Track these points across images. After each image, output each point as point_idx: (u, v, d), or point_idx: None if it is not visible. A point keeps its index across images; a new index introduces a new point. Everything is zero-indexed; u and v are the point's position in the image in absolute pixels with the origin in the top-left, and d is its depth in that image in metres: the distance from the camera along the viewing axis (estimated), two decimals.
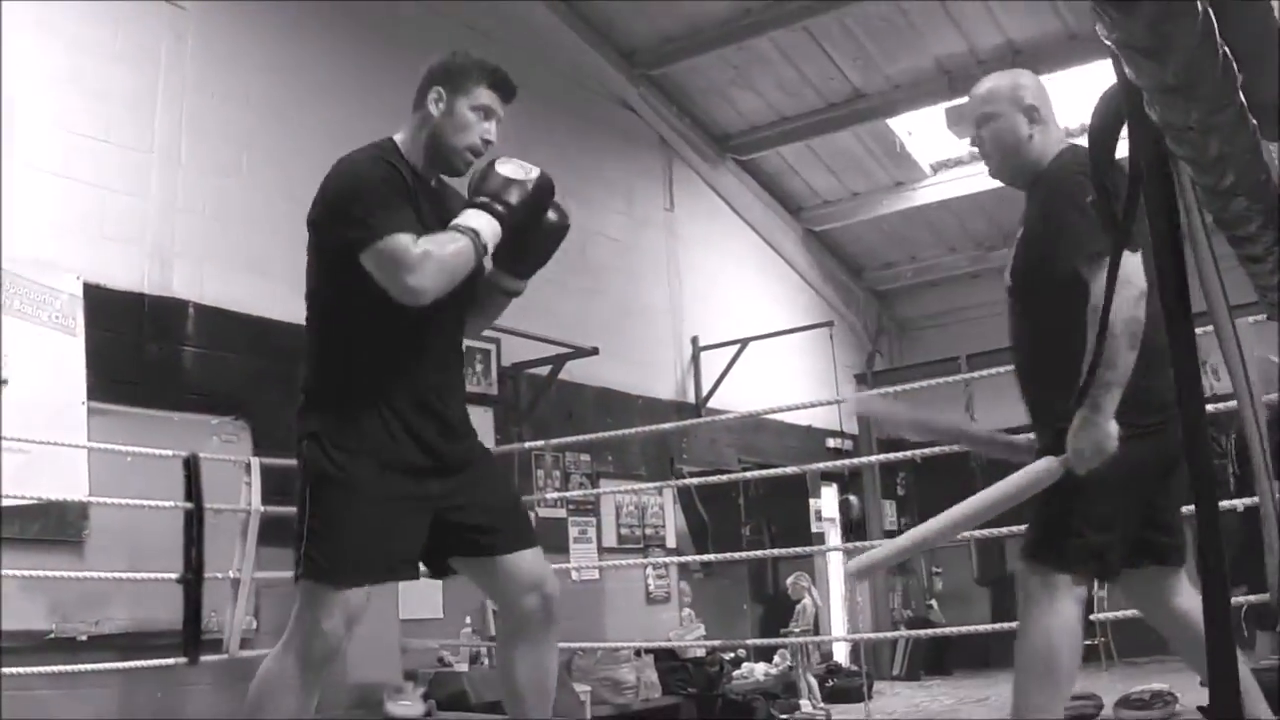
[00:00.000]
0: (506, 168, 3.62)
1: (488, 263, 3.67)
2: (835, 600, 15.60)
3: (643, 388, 12.58)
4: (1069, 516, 3.49)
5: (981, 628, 11.03)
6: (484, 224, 3.50)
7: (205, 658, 7.10)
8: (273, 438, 8.34)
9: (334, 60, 9.84)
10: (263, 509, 7.52)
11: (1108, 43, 1.08)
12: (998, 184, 13.17)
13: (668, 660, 10.79)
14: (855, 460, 14.10)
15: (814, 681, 12.28)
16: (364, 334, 3.54)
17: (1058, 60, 12.25)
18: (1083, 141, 3.37)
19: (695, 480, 10.37)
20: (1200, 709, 6.15)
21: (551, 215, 3.79)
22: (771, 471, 9.62)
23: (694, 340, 13.74)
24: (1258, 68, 1.14)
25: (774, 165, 15.15)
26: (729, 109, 14.05)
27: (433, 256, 3.37)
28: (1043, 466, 3.42)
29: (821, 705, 11.95)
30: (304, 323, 3.74)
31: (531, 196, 3.62)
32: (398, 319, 3.48)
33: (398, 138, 3.75)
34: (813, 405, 9.55)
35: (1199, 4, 1.01)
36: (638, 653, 10.54)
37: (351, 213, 3.47)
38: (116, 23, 8.27)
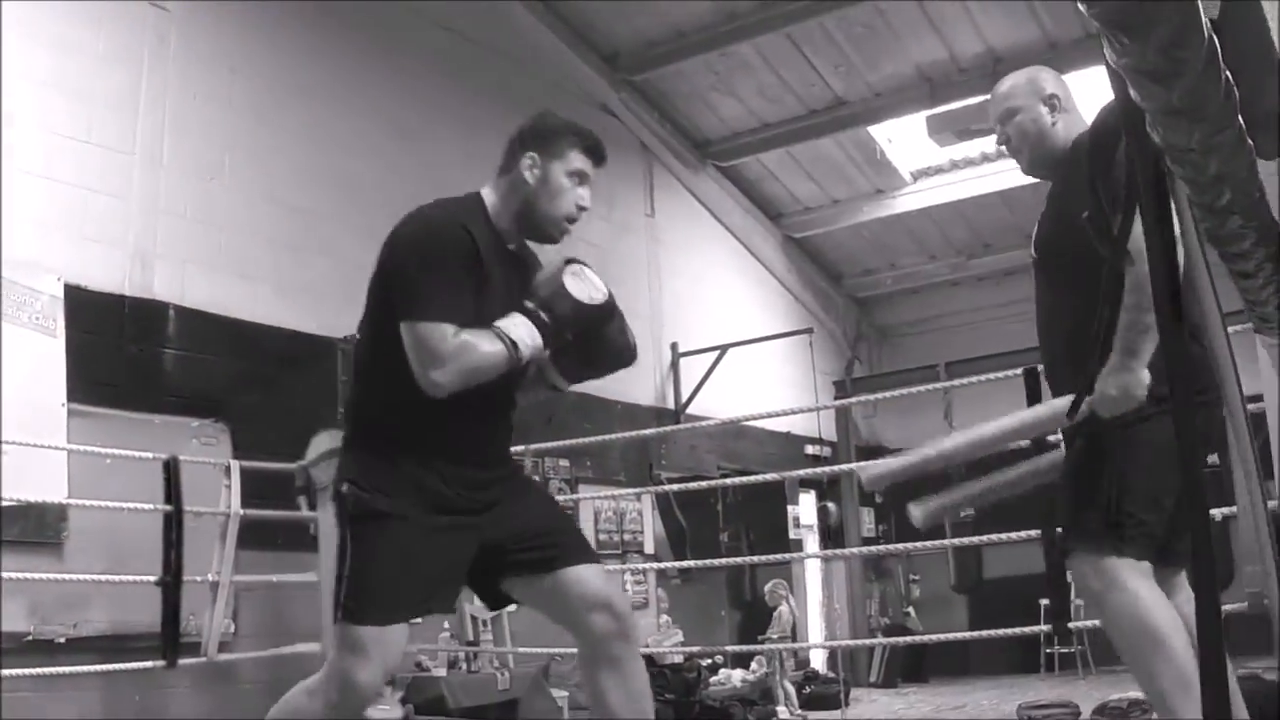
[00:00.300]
0: (572, 283, 3.51)
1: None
2: (813, 607, 15.63)
3: (622, 393, 12.57)
4: (1118, 498, 3.39)
5: (959, 635, 11.10)
6: (525, 335, 3.41)
7: (183, 660, 7.06)
8: (252, 441, 8.35)
9: (316, 62, 9.83)
10: (242, 512, 7.52)
11: (1115, 67, 1.09)
12: (978, 192, 13.22)
13: (645, 666, 10.78)
14: (834, 468, 14.11)
15: (791, 688, 12.28)
16: (409, 382, 3.42)
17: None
18: None
19: (674, 486, 10.40)
20: None
21: (618, 339, 3.70)
22: (750, 478, 9.62)
23: (674, 346, 13.76)
24: (1255, 87, 1.15)
25: (755, 171, 15.16)
26: (710, 115, 14.06)
27: (464, 356, 3.33)
28: (1064, 403, 3.32)
29: (799, 712, 11.96)
30: (345, 345, 3.70)
31: (585, 318, 3.53)
32: None
33: (487, 198, 3.63)
34: (795, 412, 9.59)
35: (1205, 29, 1.02)
36: None
37: (406, 276, 3.41)
38: (99, 24, 8.25)
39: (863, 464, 3.43)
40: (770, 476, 9.41)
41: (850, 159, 14.85)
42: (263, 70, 9.39)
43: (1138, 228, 3.23)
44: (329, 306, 9.40)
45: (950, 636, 9.48)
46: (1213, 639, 1.48)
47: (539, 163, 3.55)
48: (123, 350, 8.07)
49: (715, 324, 14.00)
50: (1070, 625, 6.61)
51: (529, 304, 3.46)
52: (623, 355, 3.74)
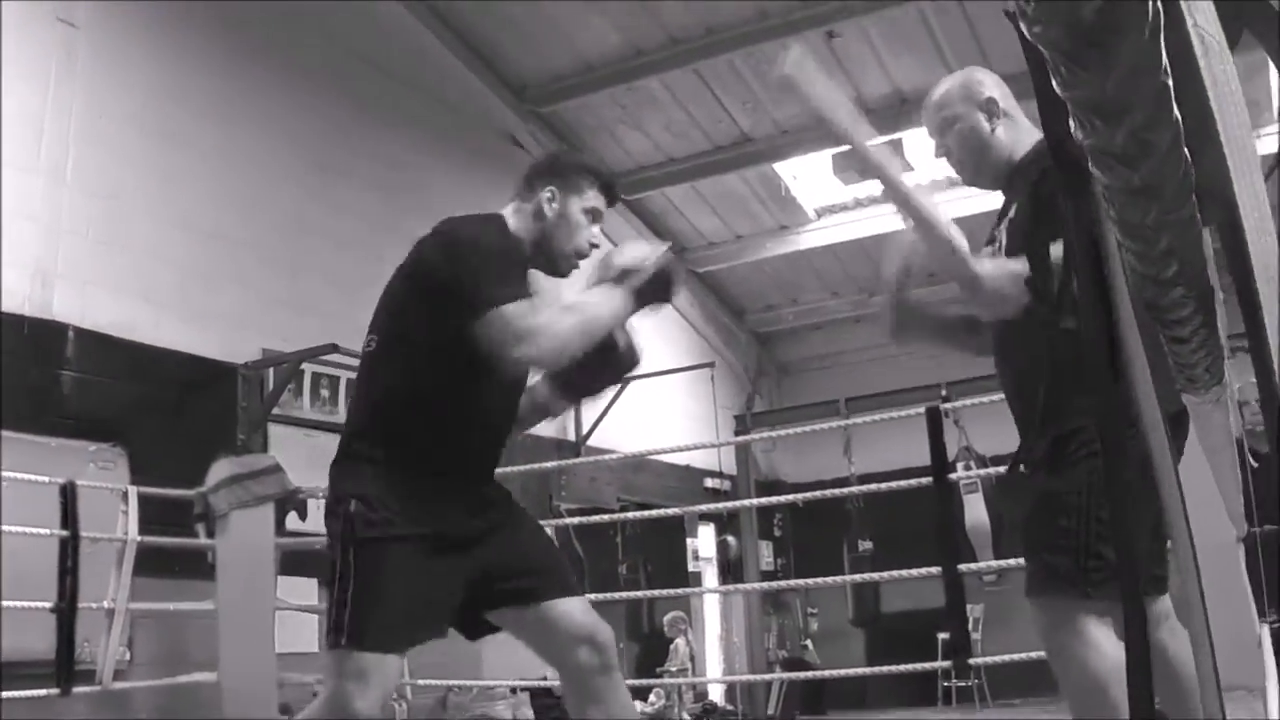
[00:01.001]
0: (623, 257, 3.54)
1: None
2: (711, 639, 15.66)
3: None
4: (1086, 536, 3.21)
5: (856, 670, 11.20)
6: (609, 304, 3.45)
7: (78, 689, 6.97)
8: (150, 466, 8.23)
9: (229, 85, 9.75)
10: (139, 538, 7.42)
11: (1081, 144, 1.11)
12: (882, 229, 13.31)
13: (543, 698, 10.76)
14: (734, 503, 14.17)
15: None
16: (438, 392, 3.43)
17: None
18: None
19: (574, 519, 10.37)
20: None
21: (621, 346, 3.66)
22: (650, 512, 9.64)
23: None
24: (1202, 155, 1.17)
25: (659, 205, 15.22)
26: (616, 148, 14.09)
27: (555, 326, 3.31)
28: (946, 231, 3.21)
29: None
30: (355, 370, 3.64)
31: (652, 280, 3.51)
32: (467, 390, 3.44)
33: (509, 219, 3.66)
34: (695, 447, 9.62)
35: (1175, 113, 1.04)
36: (514, 690, 10.51)
37: (470, 269, 3.39)
38: (5, 37, 8.12)
39: (794, 49, 2.94)
40: (670, 511, 9.41)
41: (755, 195, 14.96)
42: (173, 91, 9.29)
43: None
44: (231, 332, 9.33)
45: (850, 672, 9.56)
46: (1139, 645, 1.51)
47: (558, 197, 3.60)
48: (21, 372, 7.92)
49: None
50: (970, 661, 6.70)
51: (609, 278, 3.49)
52: (627, 363, 3.70)
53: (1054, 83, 1.04)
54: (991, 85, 3.56)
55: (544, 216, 3.60)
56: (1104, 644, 3.16)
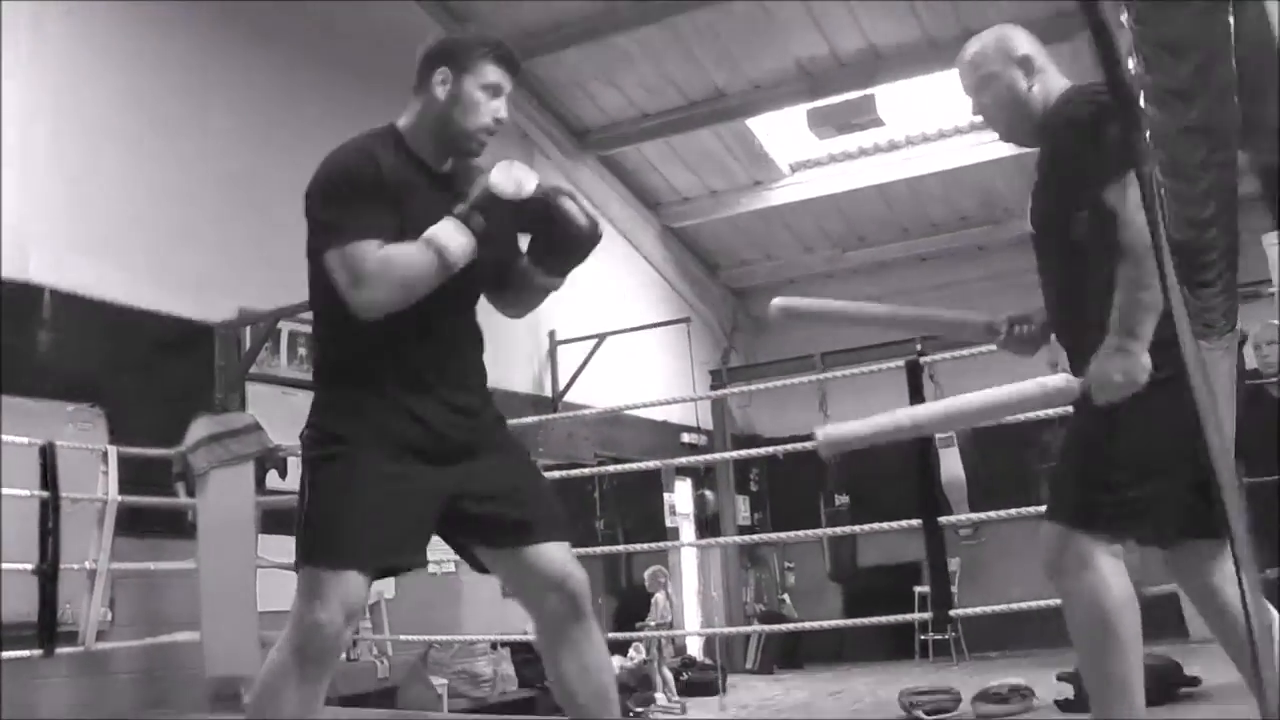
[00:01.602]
0: (496, 177, 3.39)
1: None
2: (689, 595, 15.73)
3: (499, 380, 12.42)
4: (1103, 470, 3.24)
5: (834, 622, 11.25)
6: (454, 238, 3.32)
7: (60, 650, 6.97)
8: (129, 426, 8.22)
9: (201, 51, 9.67)
10: (119, 499, 7.42)
11: (1142, 86, 1.11)
12: (854, 186, 13.32)
13: (524, 653, 10.78)
14: (711, 456, 14.21)
15: (669, 675, 12.38)
16: (350, 323, 3.38)
17: (917, 65, 12.49)
18: None
19: (552, 474, 10.36)
20: (1058, 703, 6.27)
21: (580, 222, 3.50)
22: (627, 466, 9.65)
23: (551, 334, 13.73)
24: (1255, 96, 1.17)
25: (634, 161, 15.20)
26: (590, 104, 14.06)
27: (390, 269, 3.28)
28: (1059, 382, 3.17)
29: (676, 699, 12.05)
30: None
31: (522, 212, 3.41)
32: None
33: (400, 123, 3.58)
34: (672, 402, 9.65)
35: (1232, 54, 1.05)
36: (494, 646, 10.54)
37: (314, 213, 3.39)
38: None
39: (823, 428, 3.04)
40: (648, 464, 9.42)
41: (729, 151, 14.95)
42: (147, 56, 9.20)
43: (1133, 202, 3.10)
44: (207, 292, 9.30)
45: (826, 624, 9.59)
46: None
47: (450, 78, 3.49)
48: None
49: (593, 312, 13.97)
50: (951, 612, 6.73)
51: (457, 209, 3.38)
52: (585, 232, 3.51)
53: (1126, 18, 1.05)
54: (1025, 42, 3.58)
55: (438, 100, 3.50)
56: (1111, 579, 3.18)
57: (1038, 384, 3.16)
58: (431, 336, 3.48)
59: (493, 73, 3.51)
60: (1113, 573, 3.19)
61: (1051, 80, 3.55)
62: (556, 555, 3.52)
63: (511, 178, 3.38)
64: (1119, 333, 3.07)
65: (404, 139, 3.54)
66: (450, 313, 3.55)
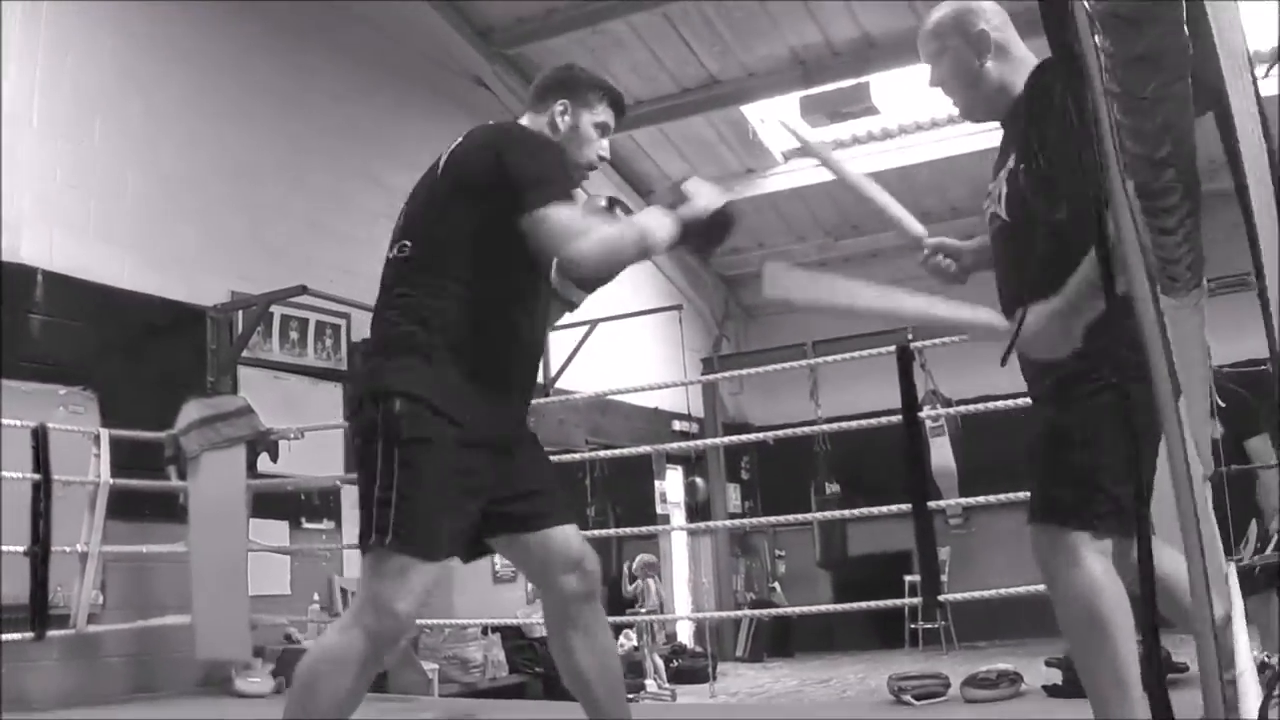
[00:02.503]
0: (698, 188, 3.47)
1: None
2: (680, 583, 15.74)
3: None
4: (1092, 471, 3.18)
5: (823, 608, 11.26)
6: (661, 223, 3.39)
7: (51, 632, 7.00)
8: (120, 409, 8.21)
9: (197, 34, 9.64)
10: (111, 481, 7.42)
11: (1090, 10, 1.13)
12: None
13: (515, 639, 10.81)
14: (701, 442, 14.23)
15: (660, 662, 12.41)
16: (488, 290, 3.41)
17: (911, 54, 12.37)
18: None
19: None
20: (1045, 689, 6.29)
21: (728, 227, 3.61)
22: (618, 451, 9.68)
23: None
24: (1197, 49, 1.18)
25: (627, 148, 15.15)
26: None
27: (603, 231, 3.31)
28: (987, 319, 3.16)
29: (667, 685, 12.08)
30: (384, 268, 3.54)
31: (712, 221, 3.46)
32: (522, 282, 3.47)
33: (530, 127, 3.69)
34: (662, 386, 9.64)
35: None
36: (485, 631, 10.55)
37: (528, 167, 3.39)
38: None
39: (772, 264, 2.98)
40: (639, 450, 9.43)
41: (722, 138, 14.96)
42: (138, 35, 9.17)
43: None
44: (199, 275, 9.29)
45: (815, 609, 9.59)
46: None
47: (570, 109, 3.65)
48: None
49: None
50: (940, 598, 6.74)
51: (655, 201, 3.49)
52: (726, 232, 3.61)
53: None
54: (987, 16, 3.49)
55: (557, 129, 3.64)
56: (1103, 577, 3.18)
57: (973, 311, 3.16)
58: (533, 341, 3.59)
59: (605, 113, 3.72)
60: (1104, 570, 3.18)
61: (1016, 59, 3.47)
62: (573, 537, 3.60)
63: (708, 192, 3.47)
64: (1064, 299, 3.03)
65: None
66: (541, 317, 3.64)
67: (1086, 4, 1.13)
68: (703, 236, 3.48)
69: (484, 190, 3.39)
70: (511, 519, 3.55)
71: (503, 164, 3.39)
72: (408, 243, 3.50)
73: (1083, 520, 3.21)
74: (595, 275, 3.40)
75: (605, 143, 3.72)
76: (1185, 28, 1.11)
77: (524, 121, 3.70)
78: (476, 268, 3.39)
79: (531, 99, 3.74)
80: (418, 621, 9.39)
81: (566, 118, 3.65)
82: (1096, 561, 3.19)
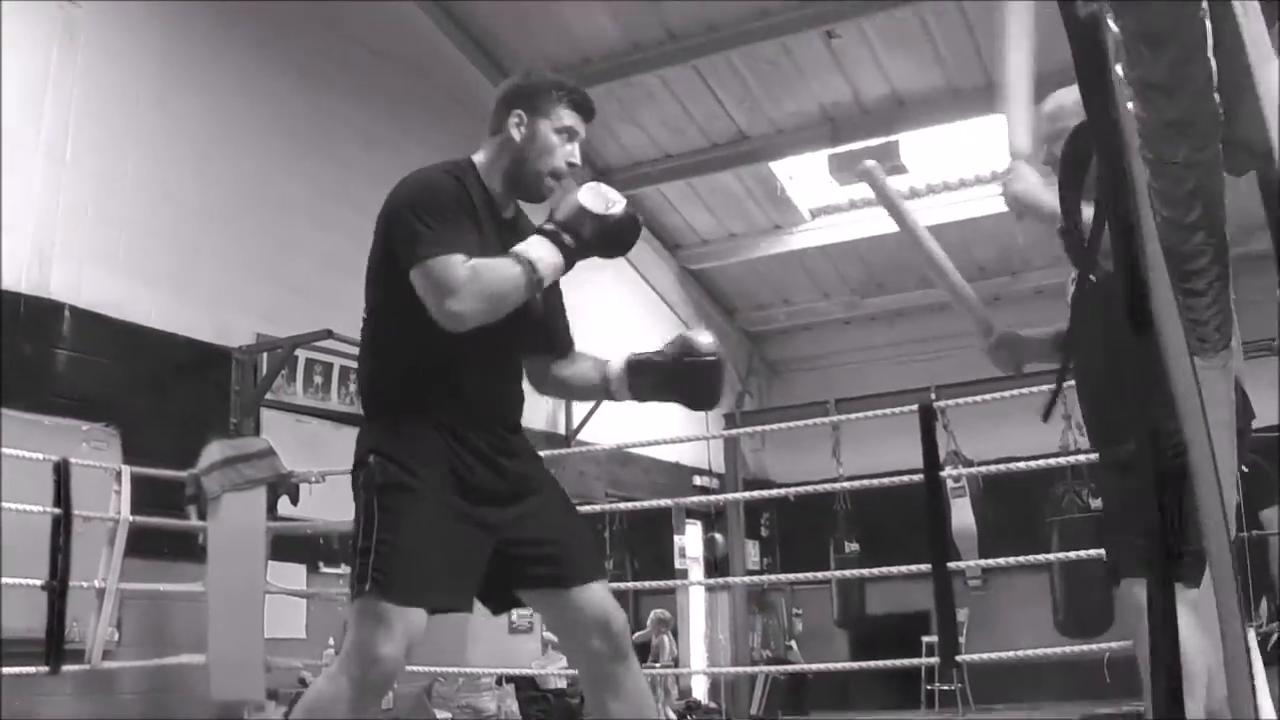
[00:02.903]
0: (587, 197, 3.38)
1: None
2: (696, 638, 15.68)
3: None
4: (1178, 526, 3.27)
5: (840, 665, 11.24)
6: (545, 254, 3.31)
7: (66, 667, 6.97)
8: (143, 447, 8.24)
9: (229, 68, 9.74)
10: (131, 518, 7.43)
11: (1124, 79, 1.14)
12: (875, 232, 13.20)
13: (529, 690, 10.78)
14: (722, 496, 14.18)
15: (674, 717, 12.34)
16: (424, 346, 3.37)
17: (940, 113, 12.54)
18: None
19: None
20: None
21: (704, 351, 3.65)
22: (638, 504, 9.68)
23: None
24: (1238, 106, 1.20)
25: (654, 201, 15.20)
26: (612, 142, 14.09)
27: (479, 279, 3.24)
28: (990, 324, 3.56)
29: None
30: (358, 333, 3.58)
31: (608, 231, 3.39)
32: (444, 339, 3.32)
33: (477, 160, 3.57)
34: (683, 440, 9.64)
35: (1209, 51, 1.08)
36: (499, 681, 10.53)
37: (405, 223, 3.34)
38: (6, 17, 8.11)
39: (871, 162, 3.75)
40: (659, 503, 9.44)
41: (750, 194, 14.98)
42: (174, 75, 9.27)
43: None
44: (225, 314, 9.34)
45: (832, 666, 9.57)
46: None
47: (525, 120, 3.51)
48: (16, 349, 7.89)
49: (609, 350, 13.93)
50: (958, 658, 6.71)
51: (546, 226, 3.37)
52: (706, 369, 3.67)
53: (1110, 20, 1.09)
54: None
55: (514, 142, 3.51)
56: (1189, 631, 3.13)
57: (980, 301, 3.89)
58: (491, 371, 3.50)
59: (567, 116, 3.55)
60: (1190, 623, 3.20)
61: None
62: (598, 596, 3.51)
63: (601, 196, 3.39)
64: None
65: (479, 174, 3.55)
66: (506, 346, 3.56)
67: (1120, 70, 1.14)
68: (612, 246, 3.45)
69: (385, 249, 3.42)
70: (539, 578, 3.51)
71: (387, 224, 3.41)
72: (365, 308, 3.55)
73: (1173, 572, 3.23)
74: (478, 324, 3.28)
75: (572, 148, 3.56)
76: (1216, 96, 1.12)
77: (477, 154, 3.60)
78: (415, 329, 3.34)
79: (491, 120, 3.60)
80: (432, 670, 9.43)
81: (522, 129, 3.51)
82: (1187, 615, 3.18)
